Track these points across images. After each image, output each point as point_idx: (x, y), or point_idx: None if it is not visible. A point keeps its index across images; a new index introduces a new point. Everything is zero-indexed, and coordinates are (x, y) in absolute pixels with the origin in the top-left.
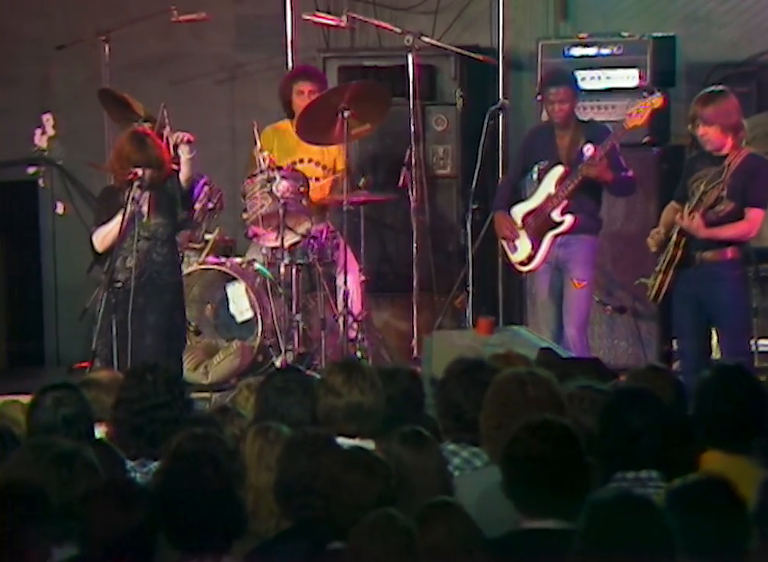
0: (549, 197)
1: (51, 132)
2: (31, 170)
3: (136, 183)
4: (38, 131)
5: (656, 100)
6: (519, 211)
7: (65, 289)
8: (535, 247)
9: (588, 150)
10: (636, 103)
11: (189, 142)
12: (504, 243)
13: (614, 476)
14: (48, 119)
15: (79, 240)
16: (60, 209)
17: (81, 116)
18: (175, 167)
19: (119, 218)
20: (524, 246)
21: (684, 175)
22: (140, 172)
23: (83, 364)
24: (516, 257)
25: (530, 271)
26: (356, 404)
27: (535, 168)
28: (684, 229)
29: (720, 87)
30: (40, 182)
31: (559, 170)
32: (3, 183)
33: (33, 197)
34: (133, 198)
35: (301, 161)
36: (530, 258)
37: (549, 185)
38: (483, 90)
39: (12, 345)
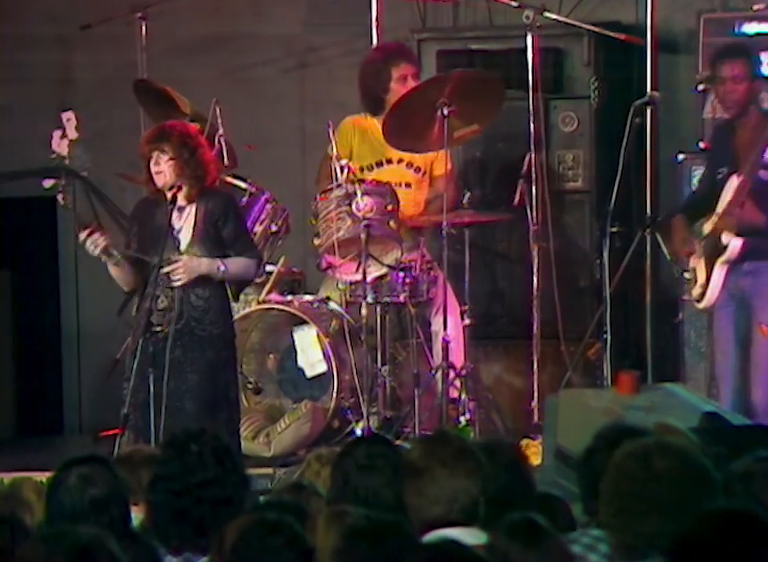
0: (721, 215)
1: (73, 134)
2: (48, 183)
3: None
4: (57, 133)
5: None
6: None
7: (89, 336)
8: (707, 278)
9: None
10: None
11: None
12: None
13: None
14: (68, 119)
15: (108, 272)
16: None
17: (111, 114)
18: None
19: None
20: (700, 276)
21: None
22: (158, 157)
23: (112, 432)
24: (693, 290)
25: (703, 309)
26: (451, 491)
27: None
28: None
29: None
30: (60, 198)
31: (734, 179)
32: (13, 199)
33: (51, 217)
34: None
35: (389, 161)
36: (702, 293)
37: (724, 199)
38: (626, 80)
39: (22, 408)
